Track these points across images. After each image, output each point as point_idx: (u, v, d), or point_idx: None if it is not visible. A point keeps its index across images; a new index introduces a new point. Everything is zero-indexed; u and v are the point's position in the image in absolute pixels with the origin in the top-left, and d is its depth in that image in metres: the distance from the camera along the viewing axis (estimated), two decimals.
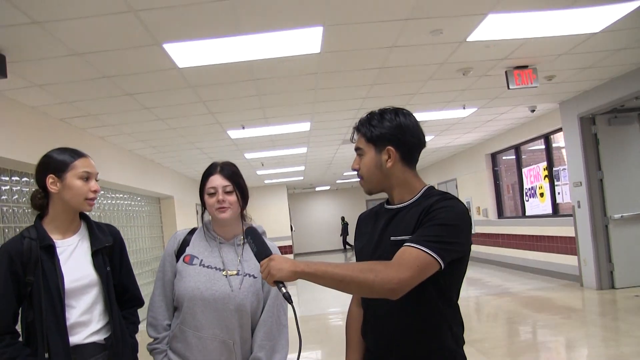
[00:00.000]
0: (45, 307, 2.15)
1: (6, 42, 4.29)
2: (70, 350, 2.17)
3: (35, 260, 2.19)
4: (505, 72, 6.65)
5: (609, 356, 5.55)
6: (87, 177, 2.27)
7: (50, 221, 2.30)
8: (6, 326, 2.19)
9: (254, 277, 2.36)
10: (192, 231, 2.50)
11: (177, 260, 2.42)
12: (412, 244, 1.74)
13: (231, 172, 2.39)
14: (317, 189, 25.92)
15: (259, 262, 1.84)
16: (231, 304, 2.29)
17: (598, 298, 8.30)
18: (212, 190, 2.37)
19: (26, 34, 4.18)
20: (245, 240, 1.97)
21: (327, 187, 25.81)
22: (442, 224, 1.77)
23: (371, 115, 1.99)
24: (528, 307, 8.40)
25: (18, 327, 2.25)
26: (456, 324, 1.90)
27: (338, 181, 22.33)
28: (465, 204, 1.90)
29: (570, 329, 6.87)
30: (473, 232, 14.92)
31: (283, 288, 1.80)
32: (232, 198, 2.35)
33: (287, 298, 1.82)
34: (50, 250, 2.22)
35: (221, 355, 2.30)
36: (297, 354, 1.80)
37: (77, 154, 2.31)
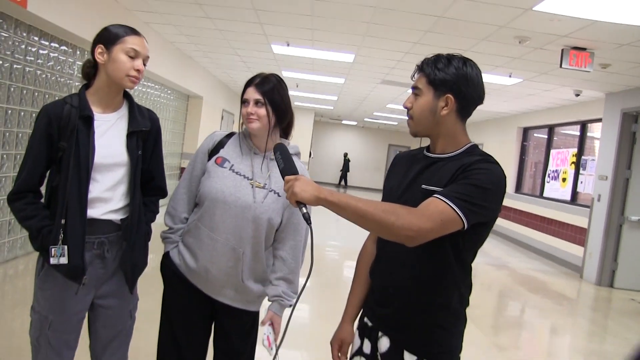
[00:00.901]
0: (72, 175, 2.18)
1: None
2: (86, 222, 2.21)
3: (72, 128, 2.20)
4: (562, 50, 6.48)
5: (591, 350, 5.64)
6: (133, 55, 2.24)
7: (94, 93, 2.30)
8: (31, 184, 2.24)
9: (278, 195, 2.37)
10: (229, 135, 2.51)
11: (209, 159, 2.44)
12: (441, 197, 1.71)
13: (269, 88, 2.37)
14: (344, 122, 25.79)
15: (284, 179, 1.83)
16: (250, 214, 2.32)
17: (594, 293, 8.36)
18: (245, 100, 2.38)
19: None
20: (274, 155, 1.95)
21: (354, 123, 25.66)
22: (476, 184, 1.73)
23: (438, 57, 1.89)
24: (523, 285, 8.52)
25: (42, 190, 2.30)
26: (465, 286, 1.90)
27: (366, 119, 22.17)
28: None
29: (559, 315, 6.96)
30: None
31: (304, 208, 1.81)
32: (262, 111, 2.34)
33: (307, 219, 1.83)
34: (88, 121, 2.23)
35: (229, 260, 2.33)
36: (306, 277, 1.81)
37: (131, 31, 2.28)
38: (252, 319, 2.49)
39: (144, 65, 2.30)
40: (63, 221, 2.19)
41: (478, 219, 1.75)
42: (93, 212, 2.26)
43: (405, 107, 1.96)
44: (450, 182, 1.78)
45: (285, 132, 2.54)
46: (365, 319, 2.04)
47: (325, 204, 1.72)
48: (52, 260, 2.17)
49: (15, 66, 5.56)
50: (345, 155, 26.09)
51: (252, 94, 2.35)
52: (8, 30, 5.38)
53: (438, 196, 1.72)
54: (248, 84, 2.40)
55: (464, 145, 1.91)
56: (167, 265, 2.47)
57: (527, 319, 6.90)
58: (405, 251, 1.77)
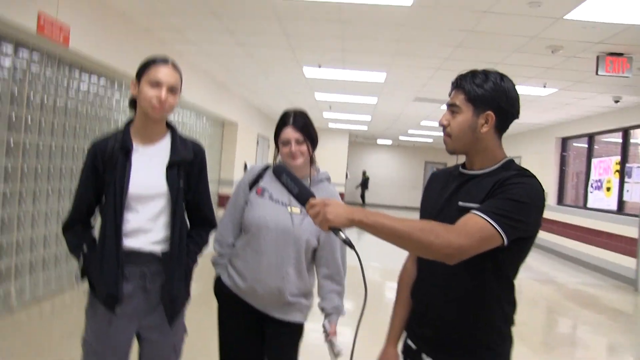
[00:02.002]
0: (109, 206, 2.25)
1: None
2: (121, 252, 2.25)
3: (115, 161, 2.28)
4: (597, 56, 6.37)
5: None
6: (156, 84, 2.26)
7: (135, 126, 2.37)
8: (80, 216, 2.34)
9: None
10: (266, 167, 2.75)
11: (250, 190, 2.69)
12: (479, 213, 1.68)
13: (303, 124, 2.61)
14: (379, 141, 25.75)
15: (301, 204, 1.81)
16: (290, 237, 2.55)
17: None
18: (285, 141, 2.60)
19: None
20: (278, 179, 1.92)
21: (389, 142, 25.60)
22: (515, 199, 1.70)
23: (474, 73, 1.87)
24: (573, 300, 8.25)
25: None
26: (508, 303, 1.85)
27: (401, 137, 22.11)
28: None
29: (615, 331, 6.67)
30: None
31: (342, 234, 1.75)
32: (304, 148, 2.60)
33: (349, 244, 1.77)
34: (127, 153, 2.30)
35: (273, 280, 2.55)
36: (362, 302, 1.76)
37: (155, 62, 2.31)
38: (298, 330, 2.67)
39: (173, 92, 2.31)
40: (101, 251, 2.26)
41: (518, 234, 1.71)
42: (133, 243, 2.30)
43: (442, 125, 1.93)
44: (487, 198, 1.75)
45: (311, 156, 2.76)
46: (409, 341, 2.01)
47: (360, 225, 1.68)
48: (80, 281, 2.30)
49: (58, 102, 5.73)
50: (364, 173, 25.95)
51: (292, 134, 2.59)
52: (52, 68, 5.56)
53: (476, 212, 1.70)
54: (283, 124, 2.62)
55: (500, 160, 1.89)
56: (220, 287, 2.69)
57: (581, 335, 6.66)
58: (444, 270, 1.74)
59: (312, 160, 2.70)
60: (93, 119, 6.49)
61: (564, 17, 5.20)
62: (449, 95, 1.92)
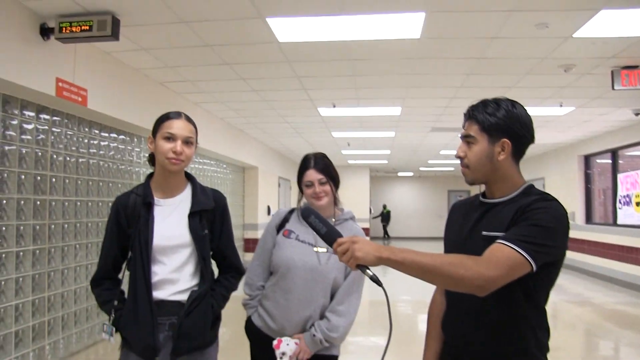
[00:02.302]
0: (136, 259, 2.31)
1: (122, 7, 4.51)
2: (152, 303, 2.29)
3: (137, 215, 2.34)
4: (612, 71, 6.32)
5: None
6: (170, 138, 2.34)
7: (155, 180, 2.45)
8: (108, 271, 2.40)
9: None
10: (292, 211, 2.87)
11: (277, 233, 2.80)
12: (505, 242, 1.68)
13: (324, 165, 2.75)
14: (400, 174, 25.72)
15: (328, 243, 1.82)
16: (317, 275, 2.65)
17: None
18: (309, 183, 2.73)
19: (141, 0, 4.37)
20: (306, 220, 1.96)
21: (410, 174, 25.56)
22: (539, 224, 1.70)
23: (485, 102, 1.89)
24: (611, 321, 8.01)
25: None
26: (541, 329, 1.83)
27: (421, 168, 22.07)
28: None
29: None
30: None
31: (368, 271, 1.76)
32: (327, 188, 2.73)
33: (376, 281, 1.77)
34: (148, 207, 2.36)
35: (302, 317, 2.65)
36: (386, 337, 1.76)
37: (169, 117, 2.39)
38: None
39: (188, 144, 2.38)
40: (132, 305, 2.30)
41: (545, 259, 1.70)
42: (160, 294, 2.34)
43: (458, 157, 1.94)
44: (510, 225, 1.75)
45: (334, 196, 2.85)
46: None
47: (388, 263, 1.68)
48: (104, 335, 2.35)
49: (80, 160, 5.86)
50: (384, 207, 25.79)
51: (314, 175, 2.72)
52: (72, 128, 5.71)
53: (502, 242, 1.69)
54: (305, 168, 2.76)
55: (520, 186, 1.89)
56: (250, 328, 2.80)
57: (624, 358, 6.42)
58: (474, 300, 1.73)
59: (336, 200, 2.81)
60: (115, 174, 6.62)
61: (573, 36, 5.21)
62: (463, 127, 1.94)
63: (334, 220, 2.75)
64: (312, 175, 2.72)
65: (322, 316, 2.69)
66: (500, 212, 1.84)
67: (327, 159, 2.80)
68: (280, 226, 2.81)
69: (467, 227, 1.93)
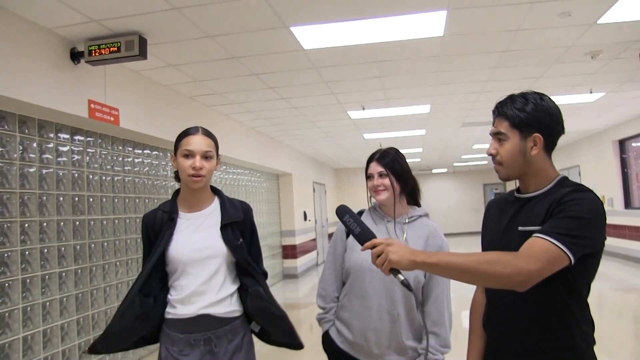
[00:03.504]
0: (152, 271, 2.37)
1: (148, 27, 4.59)
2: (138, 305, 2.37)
3: (164, 231, 2.40)
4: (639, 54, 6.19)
5: None
6: (188, 155, 2.37)
7: (181, 196, 2.50)
8: (139, 289, 2.39)
9: None
10: (360, 212, 2.68)
11: (347, 236, 2.63)
12: (542, 235, 1.66)
13: (388, 159, 2.59)
14: (434, 171, 25.53)
15: (362, 244, 1.82)
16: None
17: None
18: (369, 175, 2.61)
19: (166, 19, 4.44)
20: (339, 219, 1.96)
21: (444, 170, 25.33)
22: (575, 216, 1.68)
23: (512, 98, 1.88)
24: None
25: None
26: (586, 322, 1.80)
27: (455, 164, 21.87)
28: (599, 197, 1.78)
29: None
30: None
31: (400, 276, 1.76)
32: (386, 182, 2.55)
33: (407, 286, 1.79)
34: (172, 221, 2.41)
35: (386, 324, 2.45)
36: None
37: (186, 134, 2.42)
38: None
39: (208, 158, 2.41)
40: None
41: (583, 250, 1.68)
42: (190, 309, 2.37)
43: (490, 154, 1.93)
44: (546, 219, 1.73)
45: (413, 198, 2.70)
46: None
47: (423, 267, 1.69)
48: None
49: (115, 178, 5.97)
50: None
51: (375, 167, 2.59)
52: (106, 148, 5.83)
53: (539, 235, 1.68)
54: (370, 160, 2.65)
55: (554, 179, 1.87)
56: (328, 343, 2.63)
57: None
58: (514, 296, 1.72)
59: (408, 199, 2.67)
60: (150, 190, 6.72)
61: (598, 22, 5.10)
62: (492, 124, 1.92)
63: (406, 219, 2.58)
64: (373, 167, 2.59)
65: (413, 328, 2.49)
66: (535, 206, 1.82)
67: (396, 154, 2.63)
68: None
69: (503, 223, 1.93)
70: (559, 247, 1.64)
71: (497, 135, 1.89)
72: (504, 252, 1.71)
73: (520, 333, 1.82)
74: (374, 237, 1.83)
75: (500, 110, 1.88)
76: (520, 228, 1.81)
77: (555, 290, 1.73)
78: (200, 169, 2.36)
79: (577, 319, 1.77)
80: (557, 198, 1.75)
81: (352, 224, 1.91)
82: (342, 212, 1.97)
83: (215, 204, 2.52)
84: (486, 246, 2.00)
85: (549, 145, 1.87)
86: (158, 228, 2.41)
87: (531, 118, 1.81)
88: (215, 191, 2.57)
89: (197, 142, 2.39)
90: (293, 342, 2.56)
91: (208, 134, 2.47)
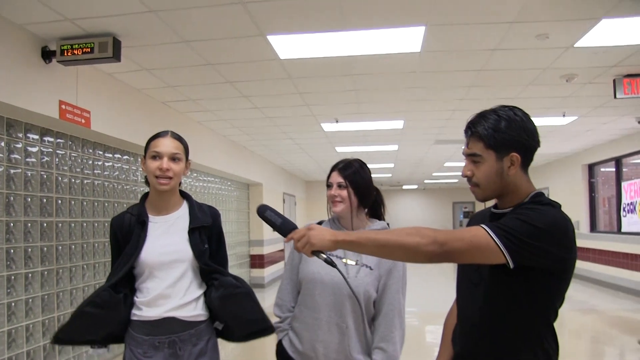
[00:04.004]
0: (121, 272, 2.35)
1: (123, 29, 4.54)
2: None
3: (132, 234, 2.38)
4: (614, 80, 6.33)
5: None
6: (156, 156, 2.37)
7: (149, 199, 2.49)
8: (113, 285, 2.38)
9: (371, 269, 2.45)
10: (320, 223, 2.66)
11: None
12: (483, 226, 1.65)
13: (349, 171, 2.54)
14: (405, 187, 25.71)
15: (284, 236, 1.85)
16: (346, 290, 2.39)
17: None
18: (329, 184, 2.57)
19: (142, 21, 4.40)
20: (260, 216, 1.97)
21: (415, 186, 25.54)
22: (525, 221, 1.63)
23: (484, 115, 1.80)
24: (616, 328, 7.98)
25: None
26: (549, 343, 1.76)
27: (426, 181, 22.07)
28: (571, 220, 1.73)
29: None
30: None
31: (322, 254, 1.82)
32: (344, 193, 2.51)
33: (330, 263, 1.85)
34: (143, 225, 2.39)
35: (334, 337, 2.42)
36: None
37: (155, 137, 2.43)
38: None
39: (176, 160, 2.40)
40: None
41: (530, 259, 1.63)
42: (155, 312, 2.36)
43: (465, 176, 1.87)
44: None
45: (376, 213, 2.69)
46: None
47: (344, 245, 1.71)
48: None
49: (85, 181, 5.88)
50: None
51: (336, 177, 2.55)
52: (76, 150, 5.74)
53: (481, 225, 1.67)
54: (332, 169, 2.60)
55: (530, 193, 1.82)
56: (280, 353, 2.59)
57: None
58: (481, 311, 1.73)
59: (376, 215, 2.67)
60: (120, 194, 6.64)
61: (574, 46, 5.22)
62: (466, 145, 1.85)
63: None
64: (334, 176, 2.54)
65: (361, 341, 2.45)
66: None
67: (360, 167, 2.59)
68: None
69: None
70: (492, 237, 1.61)
71: (471, 157, 1.82)
72: (429, 228, 1.68)
73: (484, 350, 1.79)
74: (296, 227, 1.86)
75: (473, 129, 1.80)
76: None
77: (520, 309, 1.71)
78: (167, 170, 2.36)
79: (540, 338, 1.74)
80: (520, 204, 1.76)
81: (274, 217, 1.93)
82: (264, 209, 1.98)
83: (184, 208, 2.52)
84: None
85: (526, 162, 1.81)
86: (126, 231, 2.40)
87: (507, 137, 1.74)
88: (185, 195, 2.57)
89: (165, 144, 2.39)
90: (263, 327, 2.52)
91: (177, 137, 2.47)
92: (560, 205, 1.77)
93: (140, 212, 2.42)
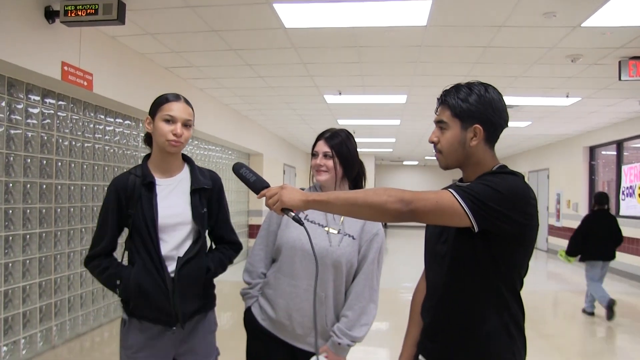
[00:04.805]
0: (140, 237, 2.34)
1: None
2: (169, 276, 2.33)
3: (138, 196, 2.37)
4: (619, 62, 6.28)
5: None
6: (170, 120, 2.35)
7: (153, 161, 2.47)
8: (105, 250, 2.40)
9: (353, 238, 2.44)
10: (302, 190, 2.61)
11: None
12: (449, 189, 1.71)
13: (337, 141, 2.51)
14: (405, 162, 25.71)
15: (257, 193, 1.89)
16: (328, 258, 2.38)
17: None
18: (315, 153, 2.54)
19: None
20: (236, 173, 1.98)
21: (415, 162, 25.54)
22: (488, 185, 1.69)
23: (458, 87, 1.85)
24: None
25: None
26: (517, 310, 1.81)
27: (427, 157, 22.06)
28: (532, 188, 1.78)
29: None
30: (560, 225, 14.40)
31: (291, 213, 1.86)
32: (330, 163, 2.48)
33: (298, 220, 1.88)
34: (150, 186, 2.38)
35: (311, 306, 2.35)
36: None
37: (168, 99, 2.41)
38: None
39: (187, 127, 2.40)
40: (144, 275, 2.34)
41: (493, 224, 1.67)
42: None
43: (432, 142, 1.93)
44: None
45: (356, 184, 2.63)
46: (420, 357, 2.00)
47: (315, 205, 1.78)
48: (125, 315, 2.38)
49: (86, 144, 5.88)
50: None
51: (322, 146, 2.51)
52: (78, 113, 5.73)
53: (447, 189, 1.74)
54: (319, 138, 2.55)
55: (492, 167, 1.87)
56: (250, 320, 2.55)
57: (621, 345, 6.50)
58: (448, 282, 1.78)
59: (351, 186, 2.59)
60: (120, 159, 6.65)
61: (581, 25, 5.18)
62: (436, 112, 1.91)
63: None
64: (320, 145, 2.51)
65: (337, 313, 2.45)
66: None
67: (347, 137, 2.56)
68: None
69: None
70: (457, 199, 1.66)
71: (439, 124, 1.89)
72: (397, 188, 1.74)
73: (447, 319, 1.85)
74: (269, 185, 1.90)
75: (444, 98, 1.87)
76: None
77: (485, 277, 1.76)
78: (180, 135, 2.36)
79: (506, 305, 1.78)
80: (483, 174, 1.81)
81: (248, 174, 1.95)
82: (239, 166, 2.00)
83: (185, 171, 2.53)
84: (427, 234, 2.03)
85: (490, 138, 1.86)
86: (130, 193, 2.39)
87: (473, 109, 1.80)
88: (186, 159, 2.57)
89: (179, 109, 2.39)
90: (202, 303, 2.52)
91: (188, 103, 2.47)
92: (523, 176, 1.83)
93: (145, 173, 2.41)
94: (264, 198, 1.94)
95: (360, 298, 2.43)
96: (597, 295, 7.19)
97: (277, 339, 2.46)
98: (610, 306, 7.00)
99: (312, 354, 2.39)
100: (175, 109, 2.37)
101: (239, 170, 1.99)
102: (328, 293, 2.40)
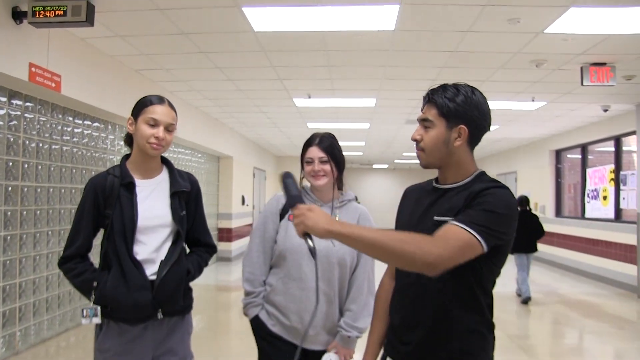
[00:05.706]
0: (119, 238, 2.32)
1: None
2: (145, 275, 2.32)
3: (116, 196, 2.35)
4: (581, 67, 6.46)
5: None
6: (153, 124, 2.35)
7: (132, 162, 2.46)
8: (80, 251, 2.38)
9: None
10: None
11: (281, 219, 2.62)
12: (458, 223, 1.69)
13: (328, 145, 2.60)
14: (375, 166, 25.85)
15: (291, 205, 1.81)
16: (333, 257, 2.50)
17: None
18: (309, 160, 2.60)
19: None
20: (283, 183, 1.96)
21: (385, 166, 25.70)
22: (491, 210, 1.71)
23: (445, 87, 1.87)
24: (576, 311, 8.19)
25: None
26: (489, 309, 1.86)
27: (396, 161, 22.22)
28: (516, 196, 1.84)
29: (621, 339, 6.59)
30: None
31: (310, 241, 1.75)
32: (327, 167, 2.58)
33: (313, 252, 1.77)
34: (130, 187, 2.38)
35: (323, 306, 2.50)
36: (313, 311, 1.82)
37: (152, 102, 2.40)
38: None
39: (169, 131, 2.41)
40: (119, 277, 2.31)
41: (495, 242, 1.72)
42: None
43: (414, 140, 1.95)
44: (462, 211, 1.77)
45: (338, 183, 2.72)
46: (388, 359, 2.00)
47: (337, 236, 1.67)
48: (84, 321, 2.31)
49: (53, 147, 5.82)
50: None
51: (316, 152, 2.58)
52: (46, 114, 5.67)
53: (455, 223, 1.70)
54: (309, 144, 2.62)
55: (473, 172, 1.90)
56: (259, 326, 2.60)
57: (587, 345, 6.64)
58: (425, 282, 1.76)
59: (340, 185, 2.70)
60: (89, 161, 6.59)
61: (544, 31, 5.32)
62: (422, 110, 1.93)
63: (337, 203, 2.64)
64: (314, 152, 2.58)
65: (341, 308, 2.57)
66: (453, 197, 1.85)
67: (335, 140, 2.65)
68: (284, 211, 2.61)
69: (418, 211, 1.94)
70: (473, 235, 1.67)
71: (423, 122, 1.90)
72: (419, 234, 1.70)
73: (424, 319, 1.85)
74: (301, 202, 1.83)
75: (431, 97, 1.88)
76: (435, 218, 1.84)
77: (464, 280, 1.78)
78: (162, 139, 2.37)
79: (482, 307, 1.83)
80: (474, 191, 1.79)
81: (292, 185, 1.93)
82: (287, 175, 1.99)
83: (164, 173, 2.53)
84: (398, 227, 2.05)
85: (473, 140, 1.88)
86: (108, 193, 2.36)
87: (459, 109, 1.82)
88: (164, 161, 2.57)
89: (163, 113, 2.39)
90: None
91: (172, 106, 2.47)
92: (508, 188, 1.87)
93: (123, 173, 2.39)
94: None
95: (361, 290, 2.57)
96: (522, 286, 8.43)
97: (289, 342, 2.54)
98: (525, 301, 8.26)
99: (322, 352, 2.52)
100: (159, 112, 2.38)
101: (286, 179, 1.96)
102: (335, 291, 2.53)
